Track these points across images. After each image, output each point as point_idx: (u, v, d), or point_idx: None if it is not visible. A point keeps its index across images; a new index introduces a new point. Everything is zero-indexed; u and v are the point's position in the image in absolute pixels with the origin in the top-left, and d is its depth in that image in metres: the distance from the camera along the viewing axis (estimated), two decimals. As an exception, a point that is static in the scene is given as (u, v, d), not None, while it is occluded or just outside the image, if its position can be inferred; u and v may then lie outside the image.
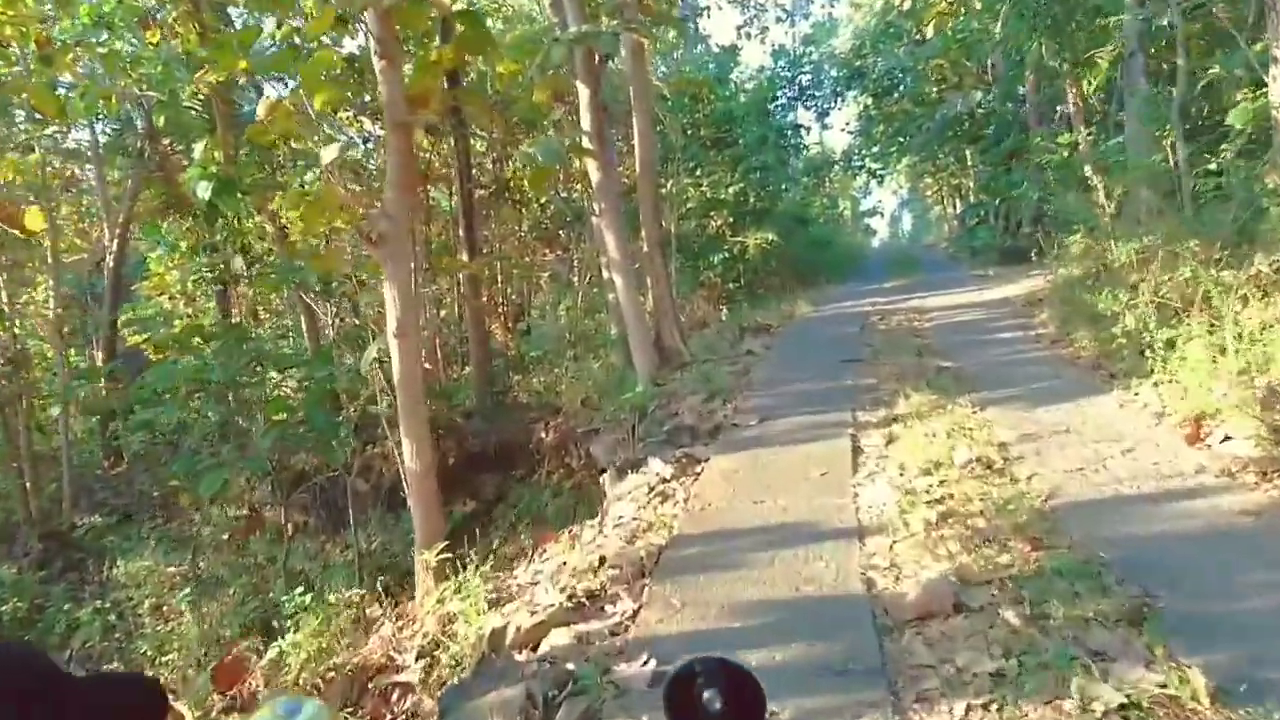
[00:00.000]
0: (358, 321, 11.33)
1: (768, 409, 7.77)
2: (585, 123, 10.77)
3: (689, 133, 18.36)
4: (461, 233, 16.65)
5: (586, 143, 10.65)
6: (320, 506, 15.85)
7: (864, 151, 39.39)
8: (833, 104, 34.74)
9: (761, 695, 1.03)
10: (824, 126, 36.92)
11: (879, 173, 39.78)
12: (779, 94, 24.15)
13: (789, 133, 23.22)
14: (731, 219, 18.27)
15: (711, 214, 18.32)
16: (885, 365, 8.90)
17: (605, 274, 12.72)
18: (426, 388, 17.96)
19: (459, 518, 15.59)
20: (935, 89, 23.98)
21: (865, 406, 7.37)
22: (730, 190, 18.10)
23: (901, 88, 31.42)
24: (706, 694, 0.98)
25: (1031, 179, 18.26)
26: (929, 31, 22.05)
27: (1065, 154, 13.35)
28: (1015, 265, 18.76)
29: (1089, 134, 13.89)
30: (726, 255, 17.90)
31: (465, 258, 16.53)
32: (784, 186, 23.87)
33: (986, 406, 6.93)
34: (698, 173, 18.57)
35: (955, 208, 40.92)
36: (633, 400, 9.43)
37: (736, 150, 18.44)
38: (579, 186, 16.72)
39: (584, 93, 10.79)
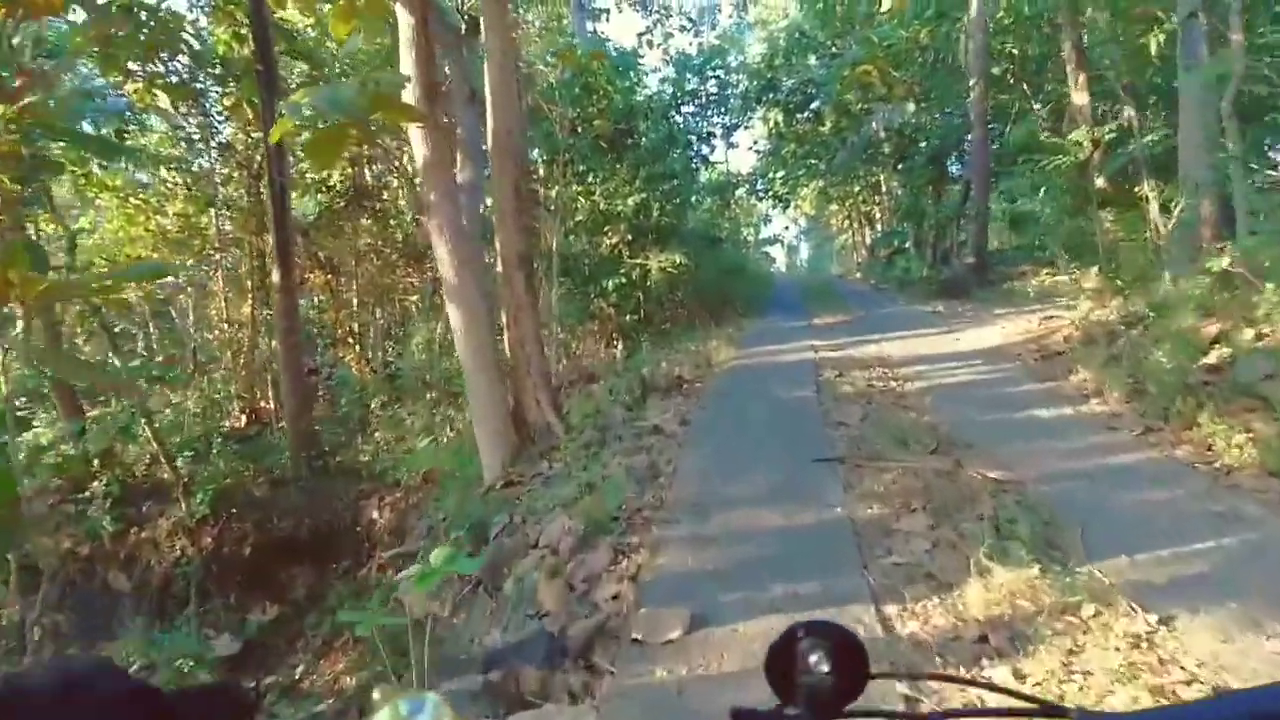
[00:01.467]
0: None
1: (696, 584, 3.99)
2: (405, 63, 6.81)
3: (580, 129, 14.61)
4: (273, 243, 12.35)
5: (411, 97, 6.68)
6: (73, 607, 11.72)
7: (771, 174, 36.79)
8: (742, 119, 31.81)
9: (866, 656, 0.93)
10: (729, 145, 33.97)
11: (785, 196, 37.21)
12: (684, 100, 20.87)
13: (696, 140, 19.90)
14: (630, 236, 14.55)
15: (606, 229, 14.57)
16: (887, 473, 5.27)
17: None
18: (223, 444, 13.17)
19: (255, 628, 11.21)
20: (860, 103, 21.12)
21: (896, 590, 3.70)
22: (630, 201, 14.40)
23: (815, 103, 28.80)
24: (812, 657, 0.93)
25: (1001, 194, 15.34)
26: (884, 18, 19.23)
27: (1075, 158, 10.23)
28: (964, 301, 15.82)
29: (1112, 130, 10.80)
30: (623, 280, 14.14)
31: (277, 277, 12.22)
32: (693, 200, 20.41)
33: (1154, 601, 3.34)
34: (590, 179, 14.81)
35: (865, 237, 38.75)
36: (460, 515, 5.53)
37: (638, 154, 14.78)
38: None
39: (404, 19, 6.84)
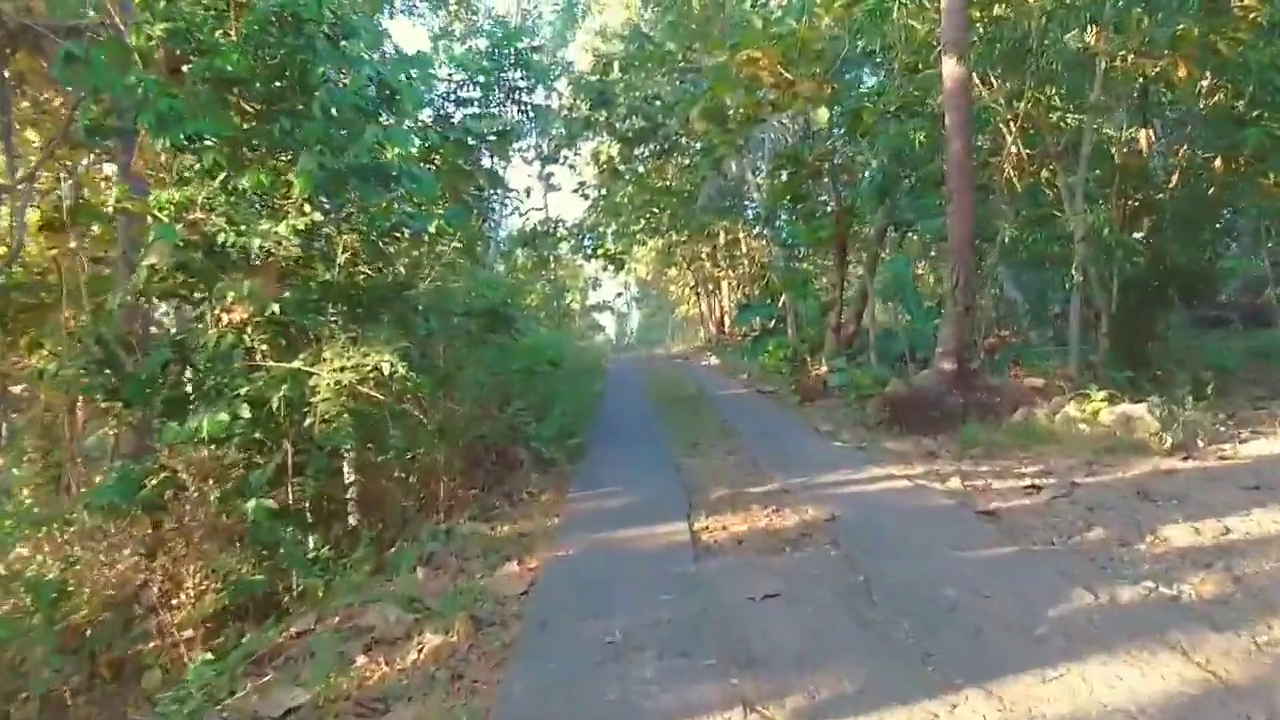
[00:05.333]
0: None
1: None
2: None
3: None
4: None
5: None
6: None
7: (602, 228, 29.42)
8: (567, 147, 24.18)
9: None
10: (550, 187, 26.26)
11: (618, 256, 29.85)
12: (459, 91, 12.95)
13: (480, 147, 11.89)
14: (277, 309, 6.04)
15: (200, 288, 6.04)
16: None
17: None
18: None
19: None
20: (740, 113, 13.78)
21: None
22: (282, 229, 5.96)
23: (660, 131, 21.66)
24: None
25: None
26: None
27: None
28: (955, 449, 8.55)
29: None
30: (241, 413, 5.60)
31: None
32: (473, 250, 12.30)
33: None
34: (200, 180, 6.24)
35: (713, 307, 31.98)
36: None
37: (314, 127, 6.35)
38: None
39: None
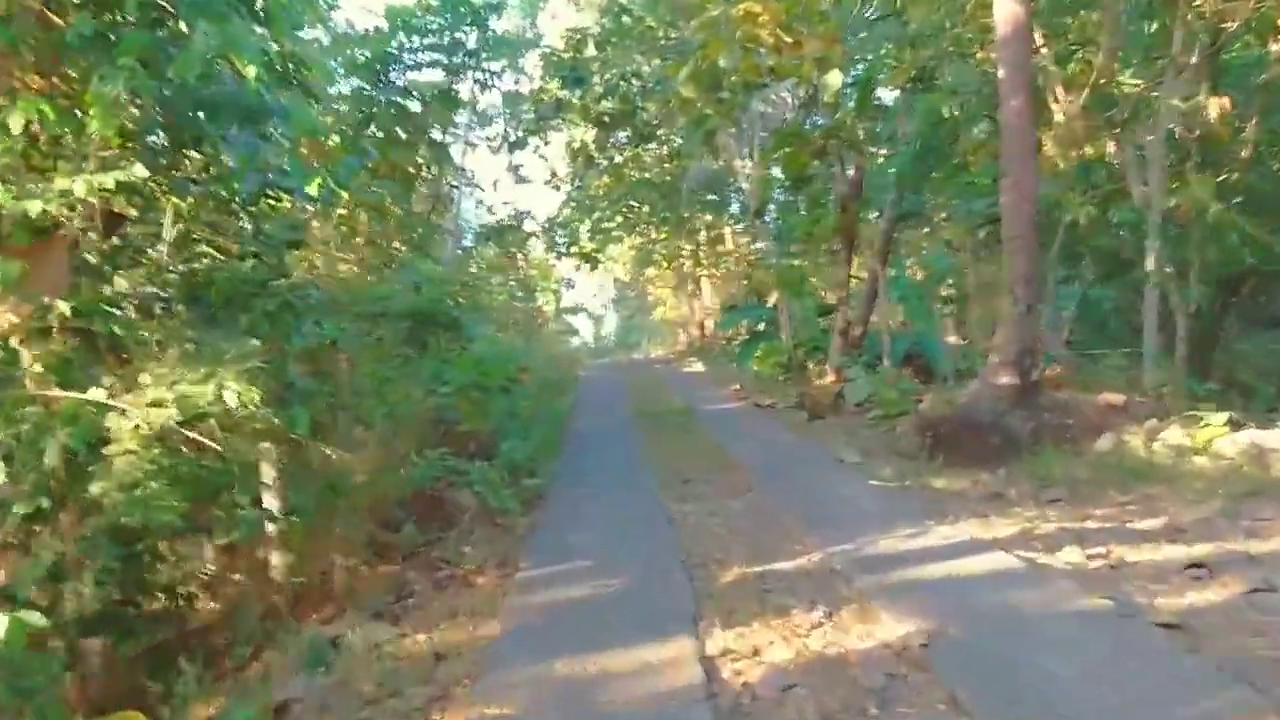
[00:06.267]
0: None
1: None
2: None
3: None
4: None
5: None
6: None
7: (575, 223, 27.25)
8: (539, 137, 21.94)
9: None
10: (519, 178, 23.99)
11: (593, 255, 27.64)
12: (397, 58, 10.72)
13: (421, 102, 9.71)
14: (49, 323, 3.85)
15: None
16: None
17: None
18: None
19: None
20: (736, 82, 11.64)
21: None
22: (68, 188, 3.76)
23: (640, 115, 19.56)
24: None
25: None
26: None
27: None
28: (1019, 488, 6.56)
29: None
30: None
31: None
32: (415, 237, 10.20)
33: None
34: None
35: (695, 309, 29.91)
36: None
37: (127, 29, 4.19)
38: None
39: None
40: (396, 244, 11.63)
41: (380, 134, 10.08)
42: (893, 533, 5.46)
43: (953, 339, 17.09)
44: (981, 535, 5.30)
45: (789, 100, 13.67)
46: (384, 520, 5.70)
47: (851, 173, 12.49)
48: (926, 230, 13.66)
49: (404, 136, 9.91)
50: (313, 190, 4.89)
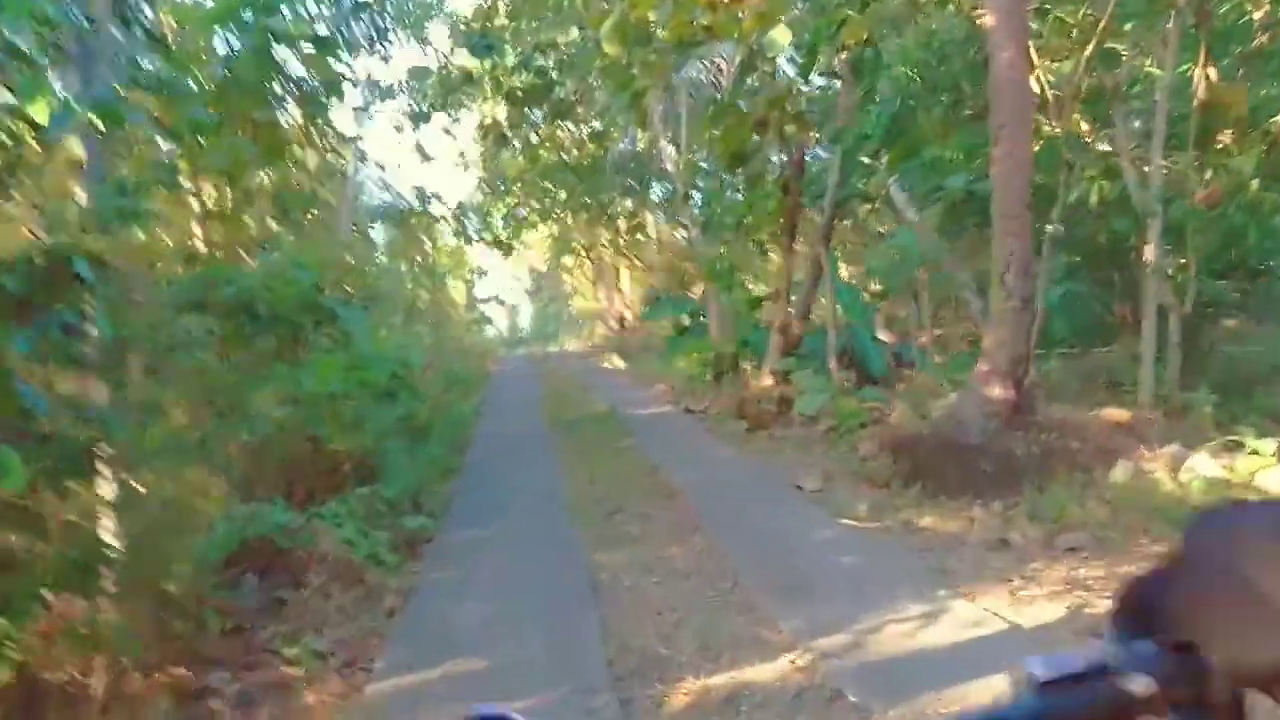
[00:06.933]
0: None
1: None
2: None
3: None
4: None
5: None
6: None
7: (488, 208, 25.32)
8: (449, 109, 19.93)
9: None
10: (425, 156, 21.94)
11: (507, 241, 25.76)
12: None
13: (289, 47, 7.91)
14: None
15: None
16: None
17: None
18: None
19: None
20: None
21: None
22: None
23: (560, 87, 17.83)
24: None
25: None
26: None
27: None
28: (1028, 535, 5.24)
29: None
30: None
31: None
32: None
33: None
34: None
35: (615, 301, 28.33)
36: None
37: None
38: None
39: None
40: (269, 221, 9.70)
41: (236, 84, 8.12)
42: (896, 610, 4.03)
43: (884, 335, 16.05)
44: (1018, 620, 3.91)
45: (724, 68, 12.22)
46: (181, 609, 3.93)
47: (794, 152, 11.13)
48: (869, 208, 12.29)
49: (275, 90, 8.00)
50: (39, 115, 3.10)
